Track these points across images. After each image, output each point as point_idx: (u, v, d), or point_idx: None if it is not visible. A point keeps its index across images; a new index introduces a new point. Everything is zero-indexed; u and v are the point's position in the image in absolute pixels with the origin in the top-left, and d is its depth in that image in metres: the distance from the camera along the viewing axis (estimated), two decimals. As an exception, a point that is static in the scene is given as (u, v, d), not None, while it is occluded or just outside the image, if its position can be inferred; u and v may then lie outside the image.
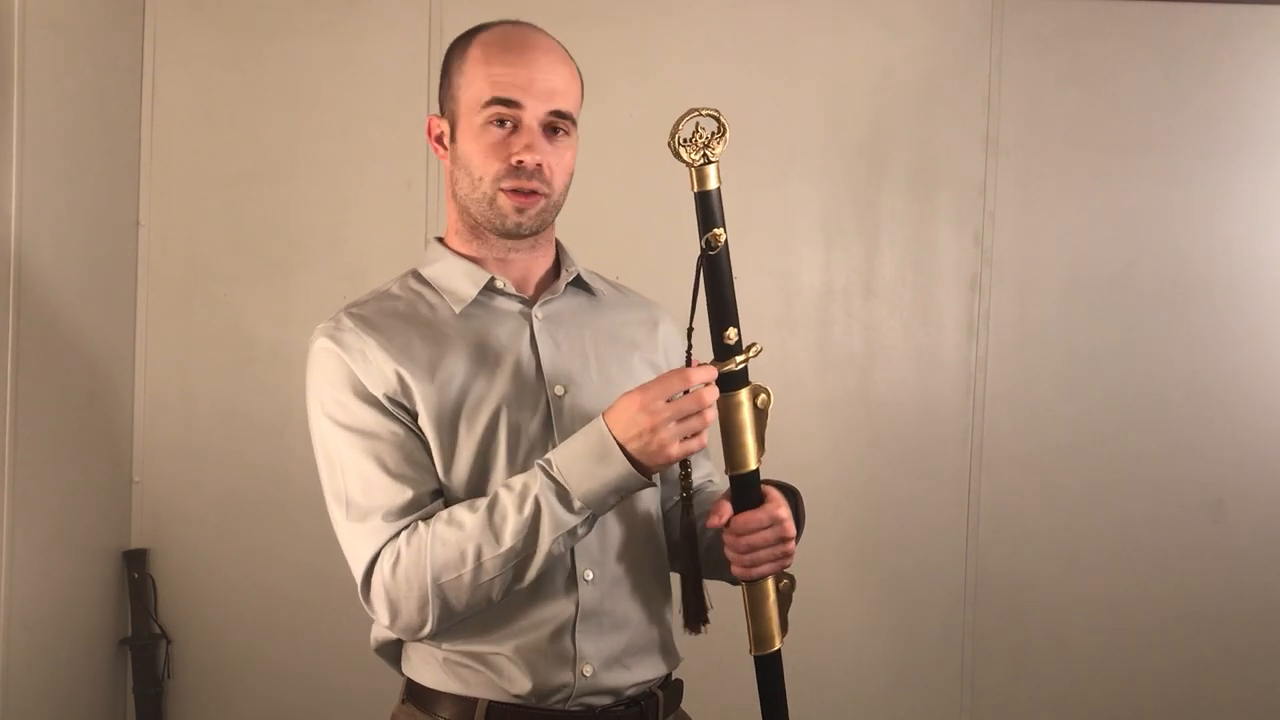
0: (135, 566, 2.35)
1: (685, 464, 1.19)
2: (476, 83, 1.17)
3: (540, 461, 1.10)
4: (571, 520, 1.08)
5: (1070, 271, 2.51)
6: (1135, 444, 2.52)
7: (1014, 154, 2.50)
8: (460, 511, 1.11)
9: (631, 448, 1.06)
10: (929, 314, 2.51)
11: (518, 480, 1.11)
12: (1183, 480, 2.53)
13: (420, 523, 1.12)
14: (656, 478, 1.17)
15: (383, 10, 2.41)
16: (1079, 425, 2.52)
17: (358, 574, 1.14)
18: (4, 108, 1.86)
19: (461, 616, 1.14)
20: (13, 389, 1.88)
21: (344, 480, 1.15)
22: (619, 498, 1.09)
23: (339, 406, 1.16)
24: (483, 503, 1.11)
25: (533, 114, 1.16)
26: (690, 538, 1.21)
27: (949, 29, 2.50)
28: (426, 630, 1.13)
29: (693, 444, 1.07)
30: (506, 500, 1.10)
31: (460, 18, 2.38)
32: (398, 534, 1.12)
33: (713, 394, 1.08)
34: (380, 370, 1.15)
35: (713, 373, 1.09)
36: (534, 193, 1.17)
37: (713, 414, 1.08)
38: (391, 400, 1.15)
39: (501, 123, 1.16)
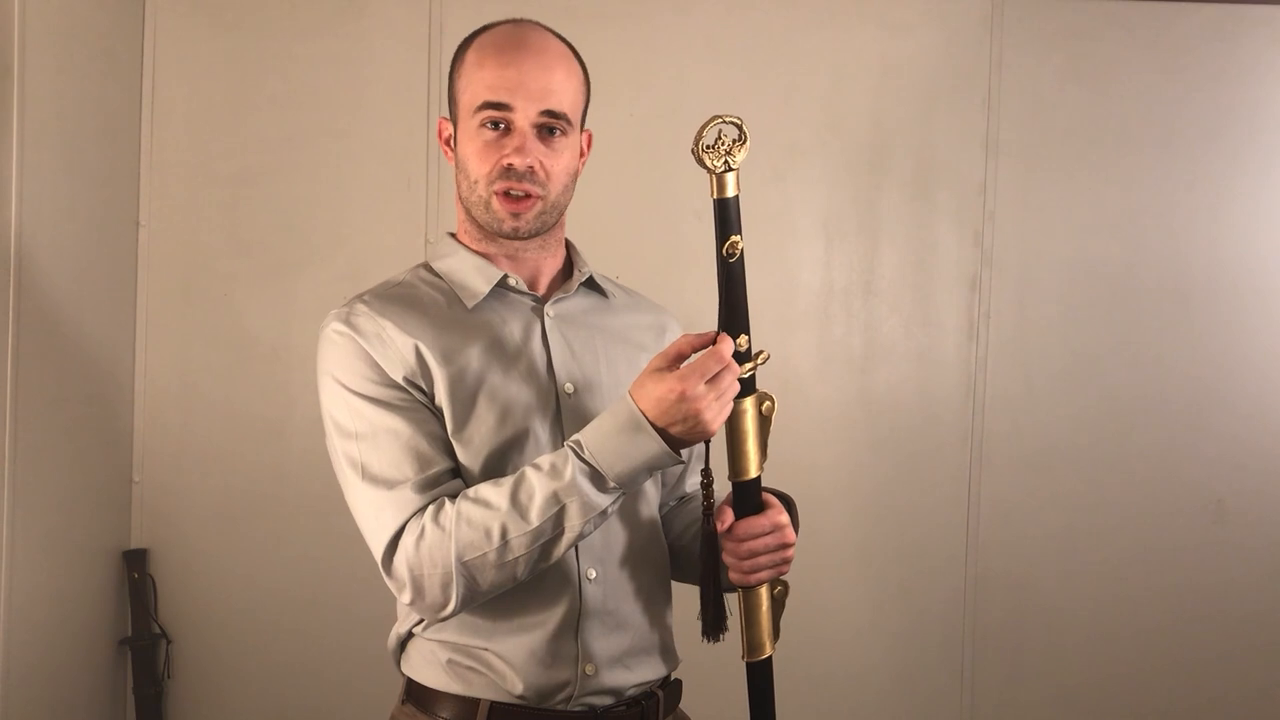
0: (135, 566, 2.35)
1: (706, 473, 1.19)
2: (471, 86, 1.18)
3: (570, 443, 1.08)
4: (603, 501, 1.07)
5: (1070, 271, 2.51)
6: (1135, 444, 2.52)
7: (1014, 154, 2.50)
8: (486, 490, 1.10)
9: (668, 422, 1.04)
10: (929, 314, 2.51)
11: (546, 460, 1.09)
12: (1183, 480, 2.53)
13: (447, 500, 1.10)
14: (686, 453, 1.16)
15: (383, 10, 2.41)
16: (1079, 425, 2.52)
17: (379, 546, 1.11)
18: (4, 108, 1.86)
19: (485, 596, 1.12)
20: (13, 389, 1.88)
21: (364, 449, 1.13)
22: (650, 475, 1.09)
23: (359, 379, 1.14)
24: (509, 481, 1.09)
25: (524, 116, 1.16)
26: (711, 546, 1.19)
27: (949, 29, 2.50)
28: (449, 609, 1.11)
29: (727, 411, 1.07)
30: (534, 480, 1.08)
31: (460, 18, 2.38)
32: (424, 508, 1.11)
33: (728, 350, 1.07)
34: (398, 351, 1.15)
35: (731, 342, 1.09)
36: (527, 196, 1.17)
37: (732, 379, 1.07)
38: (409, 382, 1.15)
39: (495, 125, 1.17)
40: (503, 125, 1.16)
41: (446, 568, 1.08)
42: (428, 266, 1.27)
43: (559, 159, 1.19)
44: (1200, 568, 2.53)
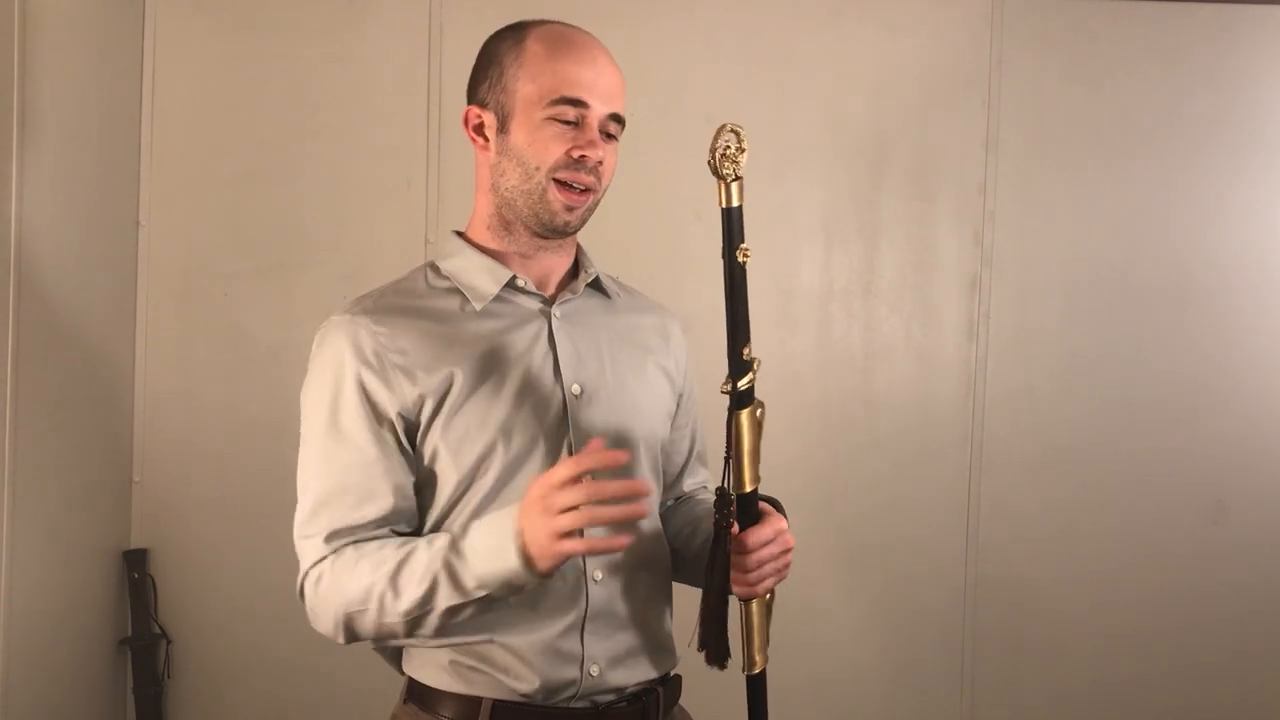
0: (135, 566, 2.35)
1: (723, 494, 1.18)
2: (541, 78, 1.18)
3: (455, 531, 1.11)
4: (461, 598, 1.08)
5: (1070, 272, 2.51)
6: (1135, 445, 2.52)
7: (1014, 154, 2.50)
8: (386, 550, 1.12)
9: (527, 539, 1.04)
10: (929, 314, 2.51)
11: (440, 540, 1.11)
12: (1183, 481, 2.53)
13: (349, 548, 1.15)
14: None
15: (383, 10, 2.41)
16: (1079, 426, 2.52)
17: (298, 577, 1.20)
18: (4, 108, 1.86)
19: (377, 642, 1.20)
20: (13, 389, 1.88)
21: (308, 482, 1.21)
22: (514, 590, 1.07)
23: (329, 413, 1.17)
24: (396, 554, 1.11)
25: (596, 114, 1.18)
26: (723, 577, 1.19)
27: (949, 29, 2.50)
28: (341, 642, 1.17)
29: (576, 543, 1.02)
30: (417, 561, 1.10)
31: (460, 18, 2.39)
32: (334, 552, 1.16)
33: (584, 491, 1.01)
34: (386, 374, 1.15)
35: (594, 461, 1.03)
36: (586, 190, 1.19)
37: (604, 512, 1.03)
38: (400, 415, 1.15)
39: (565, 119, 1.17)
40: (574, 120, 1.17)
41: (335, 613, 1.14)
42: (434, 267, 1.26)
43: (610, 161, 1.21)
44: (1200, 568, 2.53)
